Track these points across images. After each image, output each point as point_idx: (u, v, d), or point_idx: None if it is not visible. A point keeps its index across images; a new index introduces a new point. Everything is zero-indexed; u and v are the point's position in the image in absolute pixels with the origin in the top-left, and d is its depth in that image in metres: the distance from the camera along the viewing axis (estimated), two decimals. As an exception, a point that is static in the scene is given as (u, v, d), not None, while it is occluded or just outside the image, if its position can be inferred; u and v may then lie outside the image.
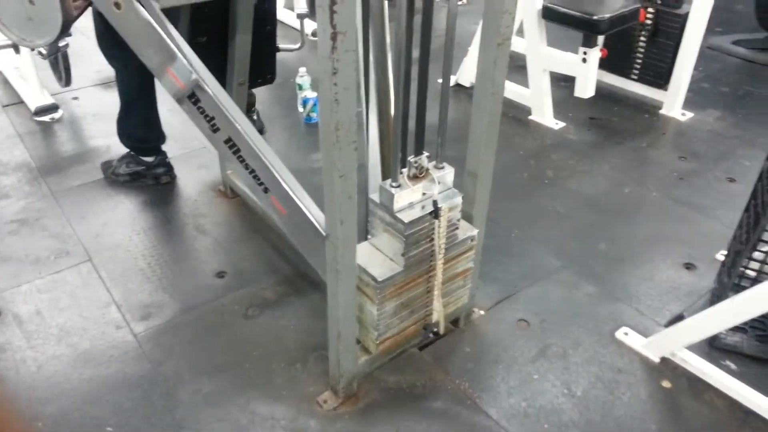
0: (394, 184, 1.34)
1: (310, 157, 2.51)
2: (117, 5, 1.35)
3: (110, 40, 1.92)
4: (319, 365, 1.56)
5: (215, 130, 1.46)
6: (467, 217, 1.51)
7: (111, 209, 2.16)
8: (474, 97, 1.38)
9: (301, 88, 2.82)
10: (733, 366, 1.58)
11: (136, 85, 2.08)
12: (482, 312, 1.74)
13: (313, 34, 3.28)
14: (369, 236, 1.47)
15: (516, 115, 2.79)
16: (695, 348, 1.57)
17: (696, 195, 2.29)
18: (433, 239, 1.41)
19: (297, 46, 2.31)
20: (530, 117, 2.76)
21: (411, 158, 1.36)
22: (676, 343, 1.55)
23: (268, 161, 1.46)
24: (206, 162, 2.43)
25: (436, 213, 1.37)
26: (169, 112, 2.77)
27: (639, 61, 2.83)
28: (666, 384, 1.54)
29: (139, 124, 2.19)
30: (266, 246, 1.99)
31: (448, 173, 1.41)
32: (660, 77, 2.79)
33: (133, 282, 1.83)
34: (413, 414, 1.45)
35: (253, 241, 2.01)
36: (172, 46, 1.37)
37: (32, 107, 2.73)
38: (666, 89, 2.80)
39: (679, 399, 1.50)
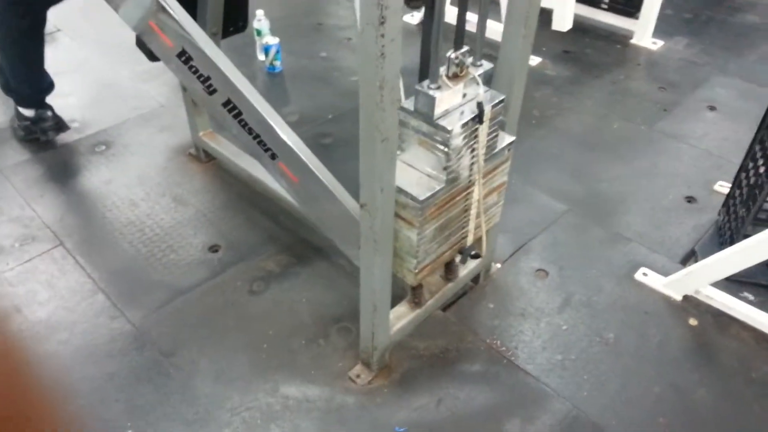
0: (433, 86, 1.14)
1: (281, 111, 2.32)
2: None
3: None
4: (343, 338, 1.47)
5: (212, 91, 1.29)
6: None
7: (72, 185, 1.93)
8: None
9: (259, 33, 2.59)
10: (750, 297, 1.60)
11: (22, 29, 1.82)
12: (498, 265, 1.68)
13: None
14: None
15: (490, 52, 2.68)
16: (714, 283, 1.57)
17: (682, 126, 2.28)
18: (474, 149, 1.22)
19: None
20: (504, 54, 2.66)
21: (450, 54, 1.15)
22: (700, 281, 1.54)
23: (274, 124, 1.31)
24: (168, 123, 2.21)
25: (480, 117, 1.17)
26: (113, 68, 2.52)
27: (609, -11, 2.76)
28: (693, 322, 1.54)
29: (19, 72, 1.94)
30: (257, 213, 1.84)
31: (488, 70, 1.23)
32: (630, 5, 2.74)
33: (116, 264, 1.66)
34: (452, 380, 1.39)
35: (241, 209, 1.86)
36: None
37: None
38: (637, 18, 2.75)
39: (708, 336, 1.51)
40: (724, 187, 1.94)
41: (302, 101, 2.39)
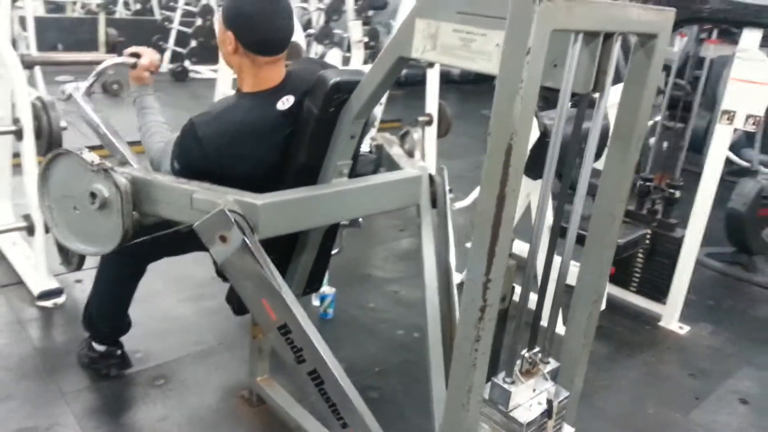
0: (508, 380, 1.26)
1: (331, 359, 2.45)
2: (223, 238, 1.37)
3: (138, 244, 1.89)
4: None
5: (301, 361, 1.43)
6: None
7: (128, 419, 2.00)
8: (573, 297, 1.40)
9: (317, 283, 2.83)
10: None
11: (123, 279, 2.02)
12: None
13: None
14: None
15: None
16: None
17: (715, 418, 2.33)
18: (541, 440, 1.29)
19: (335, 251, 2.36)
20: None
21: (524, 352, 1.29)
22: None
23: (352, 398, 1.42)
24: (224, 362, 2.33)
25: (549, 412, 1.27)
26: (179, 302, 2.71)
27: (637, 275, 3.02)
28: None
29: (105, 312, 2.10)
30: (304, 468, 1.86)
31: (554, 368, 1.35)
32: (658, 291, 2.97)
33: None
34: None
35: (288, 462, 1.88)
36: (273, 281, 1.38)
37: (35, 291, 2.61)
38: (664, 303, 2.96)
39: None
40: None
41: (351, 350, 2.52)
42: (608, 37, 1.07)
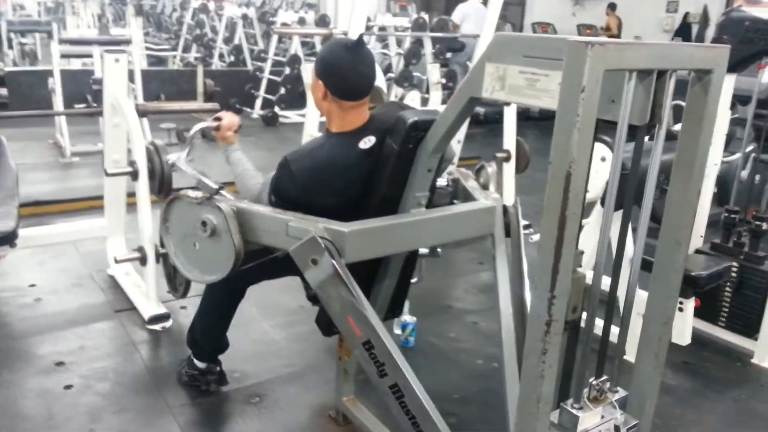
0: (576, 405, 1.33)
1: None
2: (314, 261, 1.54)
3: (241, 270, 2.09)
4: None
5: (383, 375, 1.55)
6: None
7: (226, 430, 2.18)
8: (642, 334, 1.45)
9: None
10: None
11: (226, 301, 2.23)
12: None
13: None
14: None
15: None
16: None
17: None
18: (609, 468, 1.35)
19: (415, 280, 2.49)
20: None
21: (592, 380, 1.36)
22: None
23: (431, 412, 1.53)
24: (314, 383, 2.49)
25: None
26: (272, 328, 2.91)
27: (725, 310, 2.94)
28: None
29: (207, 331, 2.29)
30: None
31: (622, 397, 1.40)
32: (749, 327, 2.88)
33: None
34: None
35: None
36: (357, 300, 1.53)
37: (146, 315, 2.90)
38: (756, 339, 2.86)
39: None
40: None
41: (431, 378, 2.61)
42: (662, 73, 1.16)
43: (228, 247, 1.67)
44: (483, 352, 2.83)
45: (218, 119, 2.21)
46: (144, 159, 2.81)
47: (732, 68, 2.66)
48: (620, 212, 1.36)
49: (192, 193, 1.77)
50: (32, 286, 3.19)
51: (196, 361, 2.36)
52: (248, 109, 7.68)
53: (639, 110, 1.16)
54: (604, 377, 1.39)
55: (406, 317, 2.91)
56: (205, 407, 2.30)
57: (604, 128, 1.23)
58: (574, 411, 1.32)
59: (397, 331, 2.92)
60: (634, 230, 1.37)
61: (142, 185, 2.82)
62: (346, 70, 1.76)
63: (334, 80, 1.78)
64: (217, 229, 1.67)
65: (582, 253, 1.42)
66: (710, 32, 9.12)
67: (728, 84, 2.74)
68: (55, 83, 5.33)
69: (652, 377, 1.45)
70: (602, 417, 1.37)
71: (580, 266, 1.44)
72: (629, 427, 1.38)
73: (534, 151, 4.21)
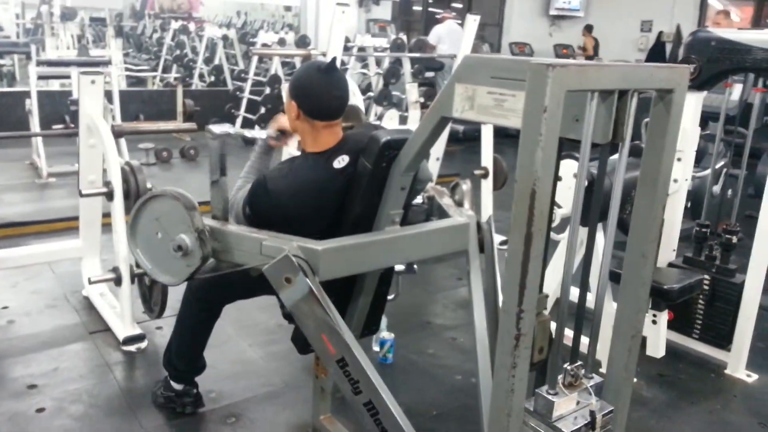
0: (551, 392, 1.35)
1: (391, 403, 2.54)
2: (288, 280, 1.55)
3: (215, 289, 2.08)
4: None
5: (357, 392, 1.56)
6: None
7: (203, 453, 2.16)
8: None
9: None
10: None
11: (201, 321, 2.21)
12: None
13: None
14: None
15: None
16: None
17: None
18: (584, 454, 1.35)
19: (392, 296, 2.50)
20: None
21: (567, 366, 1.38)
22: None
23: (405, 426, 1.53)
24: (290, 402, 2.47)
25: (592, 424, 1.34)
26: (250, 347, 2.89)
27: (699, 322, 2.99)
28: None
29: (183, 352, 2.28)
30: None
31: (598, 383, 1.42)
32: (722, 338, 2.92)
33: None
34: None
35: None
36: (331, 318, 1.54)
37: (120, 336, 2.86)
38: (729, 350, 2.91)
39: None
40: None
41: (409, 394, 2.61)
42: (624, 93, 1.20)
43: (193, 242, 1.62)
44: (461, 368, 2.83)
45: (283, 132, 2.06)
46: (119, 179, 2.80)
47: (700, 86, 2.75)
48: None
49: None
50: (5, 308, 3.14)
51: (172, 383, 2.34)
52: (228, 129, 7.65)
53: (602, 129, 1.20)
54: (579, 363, 1.40)
55: (384, 334, 2.91)
56: (180, 429, 2.28)
57: (576, 146, 1.26)
58: (549, 397, 1.34)
59: (376, 348, 2.92)
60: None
61: (118, 205, 2.81)
62: (318, 92, 1.80)
63: (307, 101, 1.81)
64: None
65: (546, 296, 1.45)
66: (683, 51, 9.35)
67: (697, 102, 2.82)
68: (32, 104, 5.29)
69: (622, 390, 1.47)
70: (578, 403, 1.39)
71: (546, 309, 1.47)
72: (605, 412, 1.39)
73: (512, 167, 4.24)
